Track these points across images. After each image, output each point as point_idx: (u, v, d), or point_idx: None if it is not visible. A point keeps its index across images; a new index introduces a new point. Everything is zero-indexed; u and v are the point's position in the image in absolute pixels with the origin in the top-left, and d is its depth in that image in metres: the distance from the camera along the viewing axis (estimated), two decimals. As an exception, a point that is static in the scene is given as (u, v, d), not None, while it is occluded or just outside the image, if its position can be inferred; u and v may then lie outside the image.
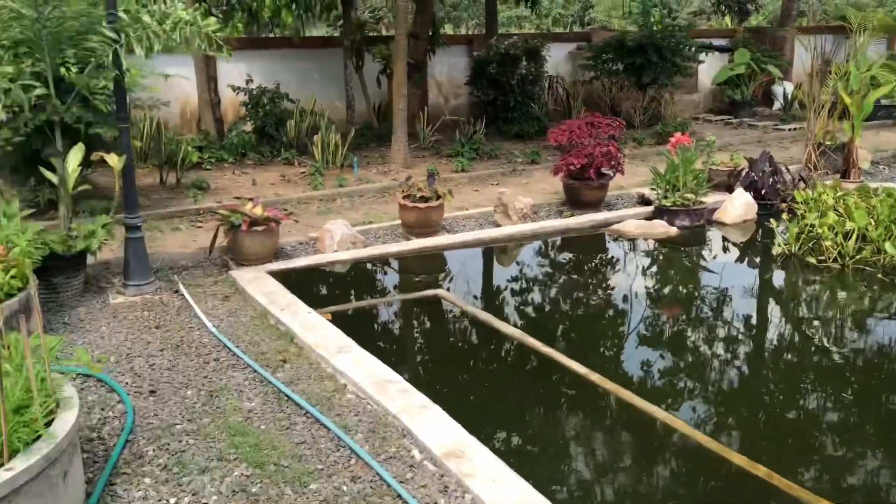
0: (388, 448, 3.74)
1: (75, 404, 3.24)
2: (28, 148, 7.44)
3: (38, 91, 5.70)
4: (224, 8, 11.33)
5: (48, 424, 3.08)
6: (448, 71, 14.34)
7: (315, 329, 5.17)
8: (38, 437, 2.98)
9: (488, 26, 14.82)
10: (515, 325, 5.64)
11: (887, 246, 6.76)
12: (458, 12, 27.87)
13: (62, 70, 6.08)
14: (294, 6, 10.66)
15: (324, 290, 6.72)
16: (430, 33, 12.71)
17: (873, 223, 6.94)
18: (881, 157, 11.49)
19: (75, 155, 5.84)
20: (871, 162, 10.52)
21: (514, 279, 7.05)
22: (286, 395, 4.29)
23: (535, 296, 6.68)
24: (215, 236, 6.82)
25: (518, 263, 7.53)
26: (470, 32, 25.82)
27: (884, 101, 13.09)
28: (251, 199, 6.86)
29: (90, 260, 6.15)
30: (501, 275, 7.30)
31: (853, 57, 10.04)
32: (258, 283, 6.08)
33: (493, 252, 7.69)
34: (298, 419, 4.05)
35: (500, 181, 10.23)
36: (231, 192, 9.20)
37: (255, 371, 4.63)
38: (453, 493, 3.38)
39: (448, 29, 24.83)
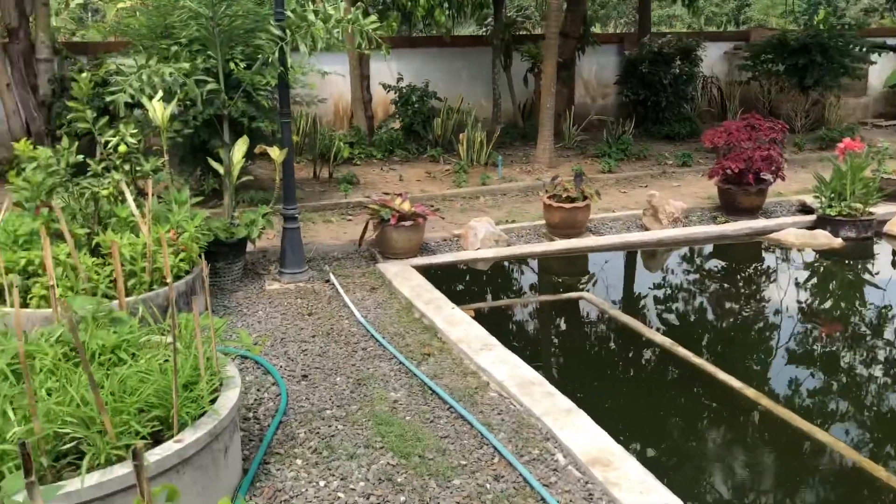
0: (531, 450, 3.70)
1: (237, 384, 3.41)
2: (197, 139, 7.95)
3: (211, 86, 6.04)
4: (379, 7, 11.63)
5: (213, 401, 3.25)
6: (597, 70, 14.09)
7: (458, 325, 5.20)
8: (204, 413, 3.15)
9: (641, 25, 14.43)
10: (663, 333, 5.44)
11: None
12: (607, 11, 27.34)
13: (230, 66, 6.43)
14: (446, 5, 10.79)
15: (466, 287, 6.76)
16: (581, 32, 12.53)
17: None
18: None
19: (240, 147, 6.15)
20: None
21: (662, 286, 6.81)
22: (430, 389, 4.33)
23: (684, 304, 6.43)
24: (365, 229, 7.01)
25: (666, 270, 7.28)
26: (619, 31, 25.29)
27: None
28: (400, 195, 7.00)
29: (249, 247, 6.47)
30: (648, 280, 7.08)
31: None
32: (404, 277, 6.19)
33: (640, 256, 7.48)
34: (442, 413, 4.08)
35: (649, 183, 9.94)
36: (379, 188, 9.44)
37: (400, 363, 4.71)
38: (598, 502, 3.29)
39: (597, 28, 24.41)
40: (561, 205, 7.37)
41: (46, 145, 8.09)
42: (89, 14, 20.64)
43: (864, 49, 13.13)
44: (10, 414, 2.85)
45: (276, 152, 5.98)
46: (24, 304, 4.54)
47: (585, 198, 7.42)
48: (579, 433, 3.77)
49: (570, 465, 3.58)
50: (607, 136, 11.54)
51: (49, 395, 3.05)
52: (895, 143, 11.99)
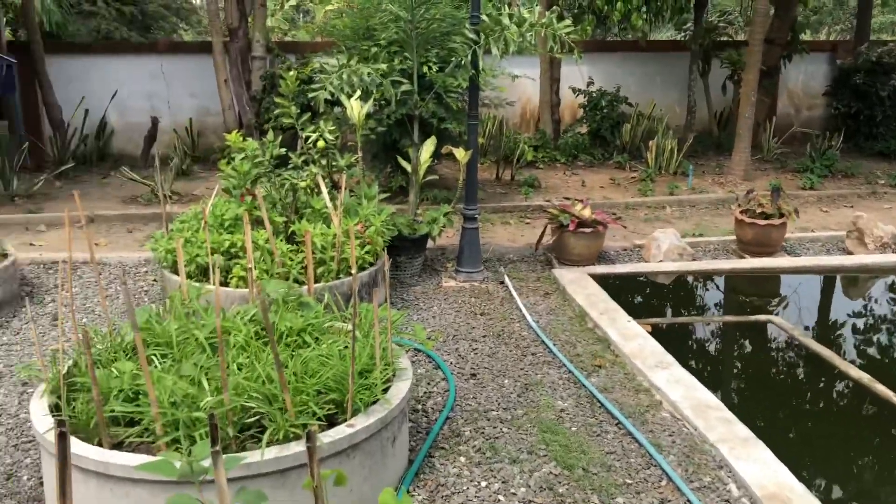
0: (702, 477, 3.52)
1: (409, 376, 3.50)
2: (388, 138, 8.27)
3: (405, 87, 6.26)
4: (575, 11, 11.54)
5: (385, 391, 3.36)
6: (804, 79, 13.18)
7: (633, 339, 5.05)
8: (376, 402, 3.27)
9: (858, 32, 13.32)
10: (860, 367, 4.98)
11: None
12: (821, 17, 25.43)
13: (424, 68, 6.63)
14: (645, 9, 10.51)
15: (644, 300, 6.55)
16: (788, 38, 11.76)
17: None
18: None
19: (428, 147, 6.33)
20: None
21: (862, 315, 6.24)
22: (599, 402, 4.24)
23: (888, 338, 5.86)
24: (543, 234, 6.98)
25: (868, 299, 6.67)
26: (832, 38, 23.47)
27: None
28: (581, 201, 6.91)
29: (430, 244, 6.64)
30: (847, 309, 6.51)
31: None
32: (579, 284, 6.10)
33: (839, 282, 6.90)
34: (609, 428, 3.98)
35: (855, 204, 9.15)
36: (560, 192, 9.38)
37: (569, 371, 4.64)
38: (773, 542, 3.07)
39: (806, 34, 22.80)
40: (754, 221, 6.95)
41: (255, 138, 8.74)
42: (300, 15, 22.08)
43: None
44: (205, 384, 3.10)
45: (461, 153, 6.09)
46: (225, 283, 4.93)
47: (782, 215, 6.95)
48: (756, 465, 3.54)
49: (744, 497, 3.36)
50: (811, 151, 10.75)
51: (239, 369, 3.29)
52: None
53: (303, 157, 5.57)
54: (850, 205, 9.12)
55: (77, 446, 2.88)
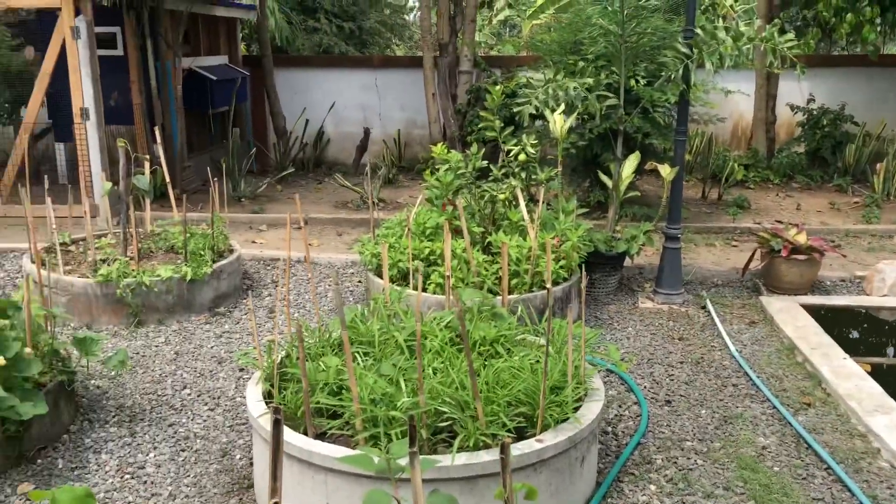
0: (926, 539, 3.15)
1: (601, 397, 3.44)
2: (589, 152, 8.19)
3: (610, 101, 6.17)
4: (797, 24, 10.84)
5: (575, 409, 3.32)
6: None
7: (849, 378, 4.62)
8: (566, 419, 3.24)
9: None
10: None
11: None
12: None
13: (631, 82, 6.50)
14: (879, 21, 9.64)
15: (863, 337, 5.98)
16: None
17: None
18: None
19: (631, 162, 6.19)
20: None
21: None
22: (806, 443, 3.92)
23: None
24: (751, 258, 6.58)
25: None
26: None
27: None
28: (795, 225, 6.44)
29: (626, 262, 6.48)
30: None
31: None
32: (789, 314, 5.69)
33: None
34: (817, 472, 3.67)
35: None
36: (772, 215, 8.81)
37: (773, 407, 4.34)
38: None
39: None
40: None
41: (457, 150, 8.98)
42: (507, 29, 22.45)
43: None
44: (402, 385, 3.22)
45: (666, 170, 5.90)
46: (423, 289, 5.09)
47: None
48: None
49: (979, 571, 2.97)
50: None
51: (434, 373, 3.38)
52: None
53: (503, 170, 5.64)
54: None
55: (285, 433, 3.09)
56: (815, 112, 10.76)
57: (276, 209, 9.31)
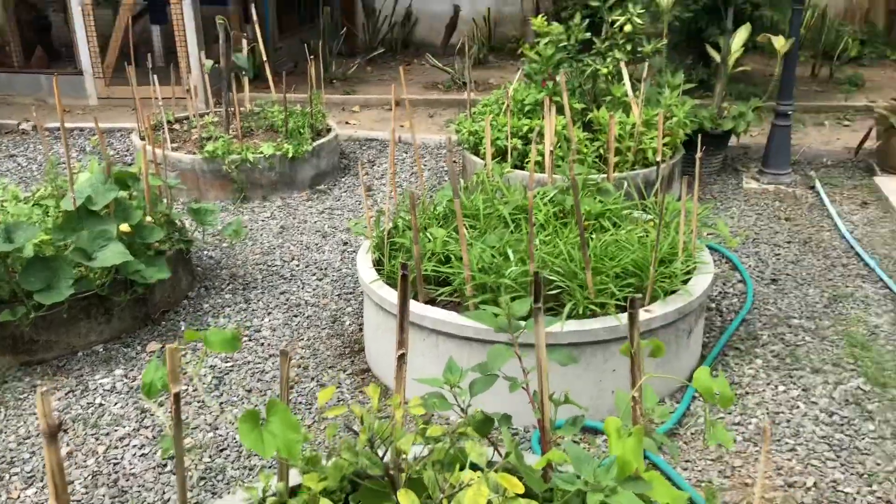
0: None
1: (710, 270, 3.39)
2: (693, 26, 7.77)
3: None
4: None
5: (684, 282, 3.29)
6: None
7: (971, 260, 4.41)
8: (675, 292, 3.22)
9: None
10: None
11: None
12: None
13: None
14: None
15: None
16: None
17: None
18: None
19: (741, 34, 5.85)
20: None
21: None
22: (922, 323, 3.81)
23: None
24: (866, 136, 6.24)
25: None
26: None
27: None
28: (918, 101, 6.04)
29: (732, 141, 6.24)
30: None
31: None
32: (906, 196, 5.42)
33: None
34: (933, 352, 3.57)
35: None
36: (889, 93, 8.25)
37: (887, 287, 4.20)
38: None
39: None
40: None
41: (553, 25, 8.65)
42: None
43: None
44: (511, 255, 3.24)
45: (780, 42, 5.56)
46: (521, 167, 5.05)
47: None
48: None
49: None
50: None
51: (541, 245, 3.39)
52: None
53: (607, 43, 5.42)
54: None
55: (395, 297, 3.19)
56: (944, -20, 9.85)
57: (367, 90, 9.28)
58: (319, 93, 6.40)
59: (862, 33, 9.95)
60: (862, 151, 6.32)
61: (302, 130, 6.00)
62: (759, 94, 6.62)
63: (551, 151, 4.16)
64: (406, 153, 6.75)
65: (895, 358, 3.50)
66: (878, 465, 2.81)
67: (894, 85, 8.76)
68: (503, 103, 5.44)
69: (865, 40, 9.80)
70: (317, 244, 4.94)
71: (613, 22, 5.43)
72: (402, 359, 1.90)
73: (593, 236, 3.51)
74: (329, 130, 6.36)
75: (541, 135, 5.04)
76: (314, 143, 5.92)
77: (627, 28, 5.26)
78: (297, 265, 4.65)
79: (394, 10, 11.64)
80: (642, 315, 3.06)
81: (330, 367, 3.57)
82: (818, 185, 5.73)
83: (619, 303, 3.07)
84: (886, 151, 5.99)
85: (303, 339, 3.81)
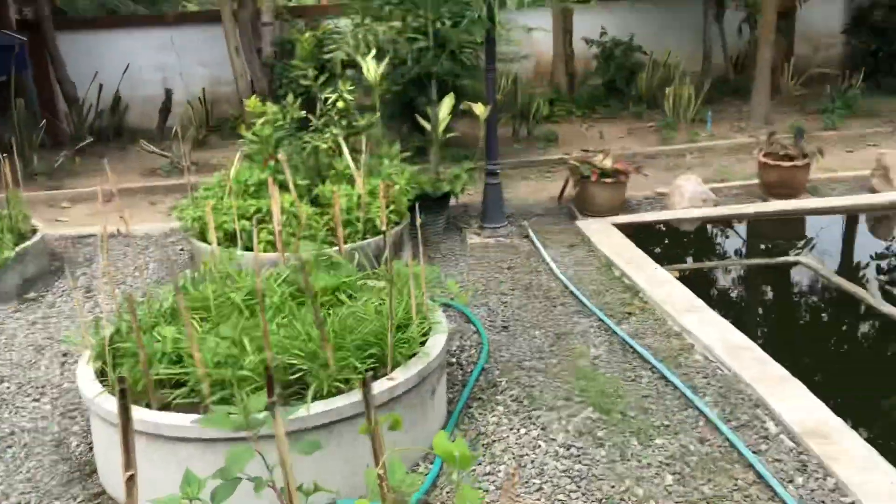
0: (739, 416, 3.55)
1: (445, 329, 3.54)
2: (405, 97, 8.22)
3: (420, 44, 6.22)
4: (585, -41, 11.35)
5: (422, 344, 3.40)
6: (820, 18, 12.89)
7: (662, 285, 5.05)
8: (414, 355, 3.31)
9: (876, -34, 13.00)
10: (892, 303, 4.97)
11: None
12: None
13: (438, 24, 6.55)
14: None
15: (670, 247, 6.54)
16: (804, -23, 11.52)
17: None
18: None
19: (446, 104, 6.29)
20: None
21: (893, 253, 6.20)
22: (631, 347, 4.26)
23: (918, 273, 5.83)
24: (565, 186, 6.96)
25: (896, 236, 6.62)
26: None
27: None
28: (602, 151, 6.86)
29: (452, 202, 6.64)
30: (876, 247, 6.46)
31: None
32: (604, 234, 6.09)
33: (866, 221, 6.84)
34: (644, 372, 4.00)
35: (880, 143, 9.03)
36: (579, 145, 9.31)
37: (600, 320, 4.66)
38: (813, 474, 3.10)
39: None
40: (778, 163, 6.89)
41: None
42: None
43: None
44: (247, 344, 3.14)
45: (480, 108, 6.06)
46: (251, 249, 4.95)
47: (805, 156, 6.88)
48: (793, 402, 3.56)
49: (783, 434, 3.39)
50: (831, 91, 10.57)
51: (278, 329, 3.33)
52: None
53: (323, 119, 5.55)
54: (874, 143, 9.00)
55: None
56: (607, 45, 11.38)
57: (77, 183, 8.65)
58: (19, 192, 5.83)
59: (550, 94, 11.16)
60: (564, 199, 7.02)
61: (1, 235, 5.41)
62: (470, 156, 7.14)
63: (280, 230, 4.14)
64: (128, 246, 6.34)
65: (613, 383, 3.88)
66: (612, 487, 3.07)
67: (583, 138, 9.89)
68: (226, 185, 5.34)
69: (553, 100, 10.99)
70: (31, 360, 4.43)
71: (327, 99, 5.59)
72: (131, 480, 1.74)
73: (331, 311, 3.52)
74: (35, 231, 5.80)
75: (270, 214, 5.00)
76: (17, 248, 5.36)
77: (340, 104, 5.44)
78: (9, 388, 4.12)
79: (99, 97, 11.00)
80: (386, 384, 3.11)
81: (57, 499, 3.18)
82: (531, 233, 6.26)
83: (362, 376, 3.08)
84: (583, 197, 6.71)
85: (21, 473, 3.37)
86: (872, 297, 5.03)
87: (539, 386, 3.89)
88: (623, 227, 6.28)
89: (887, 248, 6.32)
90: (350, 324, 3.34)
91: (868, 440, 3.27)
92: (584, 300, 4.94)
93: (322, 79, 5.70)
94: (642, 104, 10.93)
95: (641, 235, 6.26)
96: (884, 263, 5.97)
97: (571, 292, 5.10)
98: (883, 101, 10.65)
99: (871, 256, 6.18)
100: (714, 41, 12.00)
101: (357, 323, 3.34)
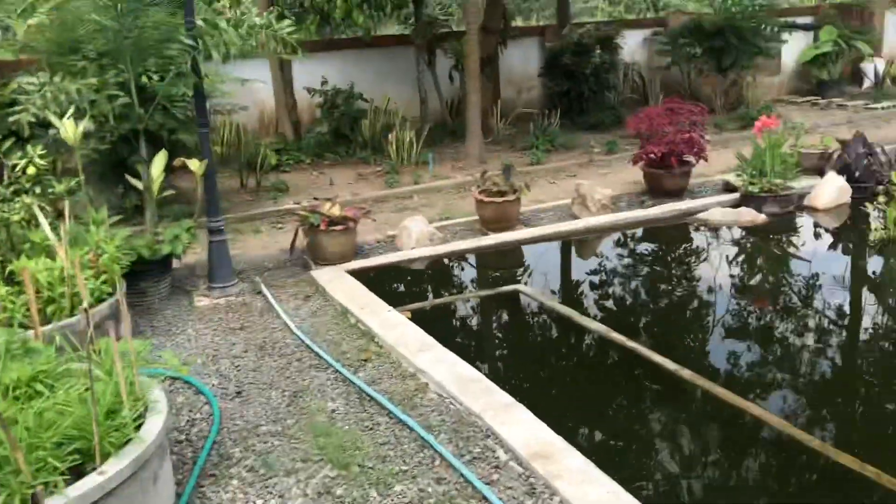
0: (472, 448, 3.67)
1: (163, 408, 3.28)
2: (114, 156, 7.69)
3: (122, 100, 5.85)
4: (297, 10, 11.47)
5: (137, 428, 3.12)
6: (520, 63, 14.16)
7: (395, 327, 5.14)
8: (129, 441, 3.03)
9: (560, 16, 14.58)
10: (598, 320, 5.48)
11: None
12: (529, 3, 27.55)
13: (143, 79, 6.21)
14: (365, 6, 10.70)
15: (403, 288, 6.70)
16: (501, 26, 12.57)
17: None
18: None
19: (159, 161, 5.97)
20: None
21: (595, 272, 6.87)
22: (368, 395, 4.27)
23: (618, 289, 6.50)
24: (295, 237, 6.89)
25: (598, 256, 7.35)
26: (541, 24, 25.50)
27: None
28: (329, 199, 6.90)
29: (175, 263, 6.29)
30: (581, 268, 7.13)
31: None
32: (338, 283, 6.10)
33: (572, 245, 7.53)
34: (381, 419, 4.02)
35: (578, 173, 10.04)
36: (310, 193, 9.29)
37: (337, 371, 4.62)
38: (541, 495, 3.28)
39: (518, 21, 24.57)
40: (492, 199, 7.37)
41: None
42: (0, 32, 19.83)
43: (776, 29, 13.51)
44: (-84, 461, 2.68)
45: (195, 164, 5.82)
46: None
47: (515, 191, 7.44)
48: (519, 427, 3.76)
49: (512, 460, 3.56)
50: (534, 129, 11.60)
51: (-41, 436, 2.88)
52: (810, 119, 12.44)
53: (12, 188, 5.00)
54: (573, 174, 9.97)
55: None
56: (329, 93, 11.56)
57: None
58: None
59: (277, 143, 11.07)
60: (296, 250, 6.94)
61: None
62: (193, 213, 6.80)
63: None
64: None
65: (351, 435, 3.84)
66: (354, 544, 3.02)
67: (313, 185, 9.90)
68: None
69: (281, 149, 10.91)
70: None
71: (15, 165, 5.04)
72: None
73: (27, 406, 3.12)
74: None
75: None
76: None
77: (31, 170, 4.93)
78: None
79: None
80: (96, 479, 2.81)
81: None
82: (264, 289, 6.10)
83: (65, 476, 2.75)
84: (315, 247, 6.68)
85: None
86: (582, 316, 5.51)
87: (276, 451, 3.75)
88: (356, 273, 6.34)
89: (592, 268, 6.99)
90: (49, 418, 2.98)
91: (588, 453, 3.54)
92: (321, 352, 4.88)
93: (9, 143, 5.14)
94: (368, 149, 11.21)
95: (375, 279, 6.36)
96: (590, 283, 6.58)
97: (308, 346, 5.02)
98: (577, 136, 11.89)
99: (580, 277, 6.80)
100: (429, 88, 12.66)
101: (58, 416, 2.99)
